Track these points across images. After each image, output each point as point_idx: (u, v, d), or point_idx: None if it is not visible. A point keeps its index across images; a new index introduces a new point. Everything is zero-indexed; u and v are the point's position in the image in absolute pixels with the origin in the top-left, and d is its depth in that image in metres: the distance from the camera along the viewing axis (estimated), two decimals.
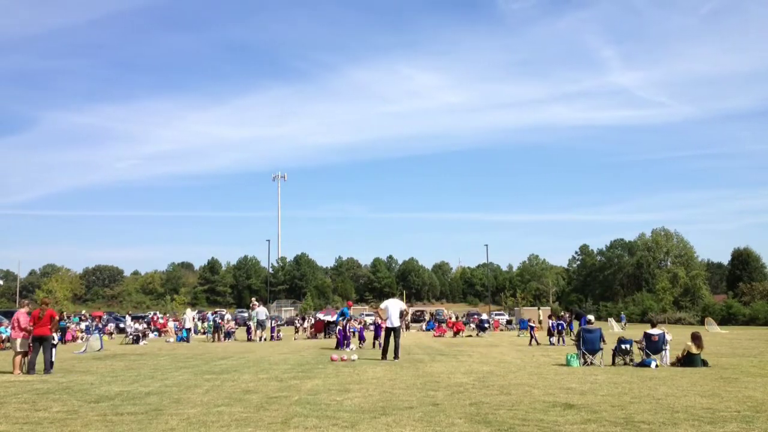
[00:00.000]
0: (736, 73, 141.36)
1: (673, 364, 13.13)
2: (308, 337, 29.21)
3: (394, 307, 15.31)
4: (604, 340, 14.12)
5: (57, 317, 13.91)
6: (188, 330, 28.59)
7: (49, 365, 13.05)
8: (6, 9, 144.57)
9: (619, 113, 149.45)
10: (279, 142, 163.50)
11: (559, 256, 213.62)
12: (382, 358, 15.01)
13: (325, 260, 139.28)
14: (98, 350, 20.82)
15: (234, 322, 34.93)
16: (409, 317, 43.06)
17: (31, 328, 12.99)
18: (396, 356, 14.90)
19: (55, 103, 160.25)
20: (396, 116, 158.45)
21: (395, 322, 15.10)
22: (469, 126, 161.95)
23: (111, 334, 32.94)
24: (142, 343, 25.95)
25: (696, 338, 13.40)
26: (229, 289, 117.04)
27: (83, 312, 47.63)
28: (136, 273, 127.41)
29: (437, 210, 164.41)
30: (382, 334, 16.02)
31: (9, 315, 31.26)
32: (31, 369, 12.75)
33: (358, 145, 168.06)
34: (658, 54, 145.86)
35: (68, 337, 27.86)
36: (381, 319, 16.52)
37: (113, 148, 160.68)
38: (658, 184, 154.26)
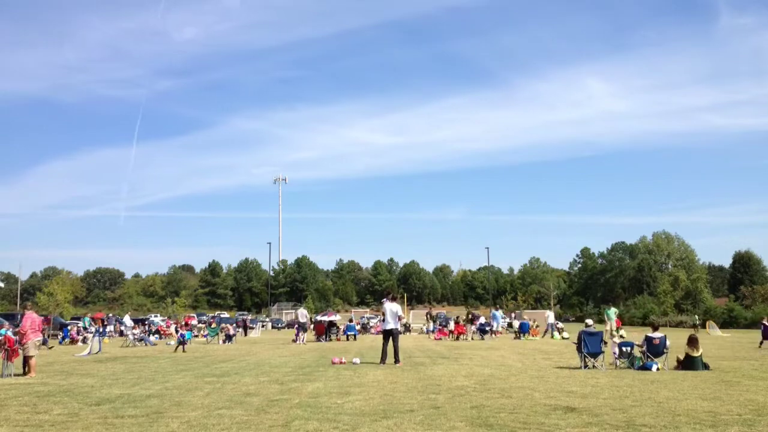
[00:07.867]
0: None
1: (675, 368, 13.11)
2: (316, 339, 28.97)
3: (390, 310, 15.16)
4: (605, 343, 14.10)
5: None
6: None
7: None
8: (255, 24, 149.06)
9: (757, 121, 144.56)
10: (418, 149, 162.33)
11: (561, 258, 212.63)
12: (381, 363, 14.77)
13: (326, 263, 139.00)
14: (96, 353, 20.80)
15: (234, 324, 34.89)
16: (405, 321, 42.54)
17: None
18: (396, 360, 14.79)
19: (239, 107, 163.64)
20: (551, 124, 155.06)
21: (392, 324, 14.95)
22: (603, 132, 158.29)
23: (110, 336, 33.05)
24: (153, 337, 26.57)
25: (692, 341, 13.39)
26: (230, 292, 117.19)
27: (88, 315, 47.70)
28: (137, 275, 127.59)
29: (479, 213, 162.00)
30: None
31: (10, 317, 31.37)
32: None
33: (489, 152, 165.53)
34: None
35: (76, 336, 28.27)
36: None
37: (261, 153, 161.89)
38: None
